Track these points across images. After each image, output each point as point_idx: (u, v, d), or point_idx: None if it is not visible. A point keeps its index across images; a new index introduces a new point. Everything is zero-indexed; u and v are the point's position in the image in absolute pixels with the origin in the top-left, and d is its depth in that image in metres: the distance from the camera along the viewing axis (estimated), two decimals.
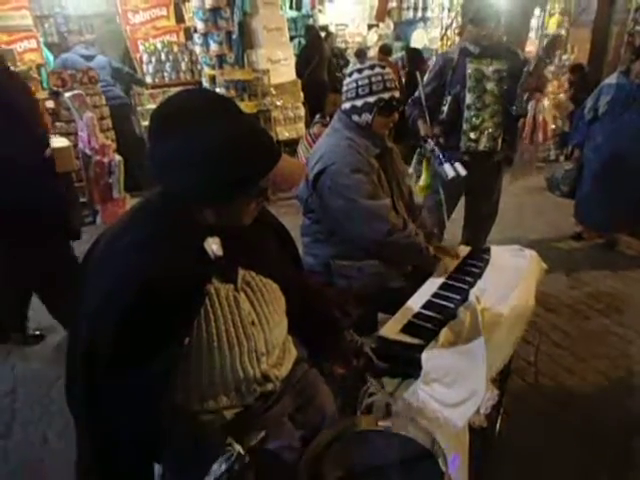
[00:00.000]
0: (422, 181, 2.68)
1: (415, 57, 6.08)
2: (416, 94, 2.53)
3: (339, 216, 1.77)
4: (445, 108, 2.56)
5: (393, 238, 1.74)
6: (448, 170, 2.32)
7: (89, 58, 5.08)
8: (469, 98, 2.52)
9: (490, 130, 2.58)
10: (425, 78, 2.65)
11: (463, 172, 2.33)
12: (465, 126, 2.56)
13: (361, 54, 6.40)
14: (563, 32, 7.16)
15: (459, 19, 6.86)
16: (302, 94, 5.46)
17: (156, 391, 0.94)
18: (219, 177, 0.90)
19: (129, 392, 0.92)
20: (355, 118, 1.79)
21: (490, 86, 2.52)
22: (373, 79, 1.72)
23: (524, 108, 2.55)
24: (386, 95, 1.73)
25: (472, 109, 2.54)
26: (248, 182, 0.94)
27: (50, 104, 4.54)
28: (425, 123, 2.51)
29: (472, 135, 2.58)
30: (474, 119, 2.55)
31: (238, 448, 0.90)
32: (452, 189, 2.61)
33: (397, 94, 1.77)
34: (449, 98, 2.55)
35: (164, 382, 0.95)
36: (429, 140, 2.45)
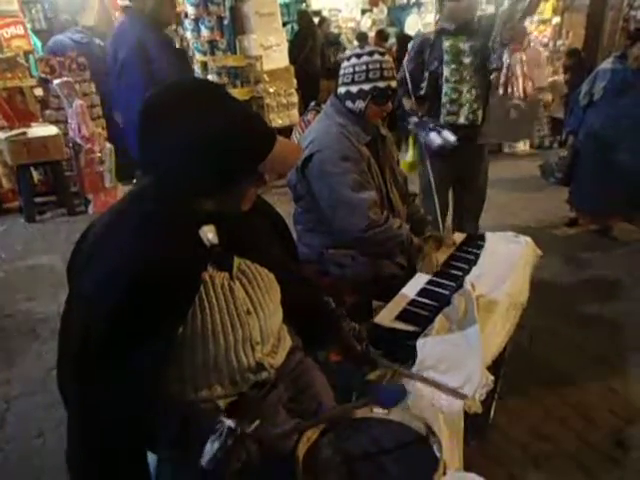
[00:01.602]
0: (408, 157, 2.67)
1: (406, 44, 6.02)
2: (399, 75, 2.51)
3: (323, 205, 1.76)
4: (424, 84, 2.56)
5: (370, 234, 1.72)
6: (434, 138, 2.33)
7: (83, 44, 4.94)
8: (447, 72, 2.53)
9: (469, 103, 2.58)
10: (404, 60, 2.64)
11: (452, 138, 2.32)
12: (444, 99, 2.56)
13: (362, 38, 6.33)
14: (558, 18, 7.10)
15: None
16: (295, 81, 5.40)
17: (149, 377, 0.94)
18: (216, 167, 0.89)
19: (122, 377, 0.91)
20: (349, 104, 1.77)
21: (467, 60, 2.54)
22: (370, 66, 1.70)
23: (501, 61, 2.54)
24: (382, 84, 1.71)
25: (450, 82, 2.55)
26: (245, 169, 0.94)
27: (39, 92, 4.47)
28: (409, 99, 2.52)
29: (451, 108, 2.58)
30: (452, 93, 2.56)
31: (228, 423, 0.89)
32: (442, 171, 2.59)
33: (394, 84, 1.75)
34: (427, 74, 2.56)
35: (157, 368, 0.94)
36: (413, 114, 2.48)
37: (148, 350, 0.91)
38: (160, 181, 0.96)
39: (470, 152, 2.65)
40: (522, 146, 6.10)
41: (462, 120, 2.59)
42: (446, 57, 2.52)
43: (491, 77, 2.55)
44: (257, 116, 0.99)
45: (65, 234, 3.81)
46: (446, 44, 2.52)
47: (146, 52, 2.29)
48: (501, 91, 2.48)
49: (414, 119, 2.50)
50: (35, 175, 4.43)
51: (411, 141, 2.59)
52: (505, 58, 2.45)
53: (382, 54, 1.73)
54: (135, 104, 2.34)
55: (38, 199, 4.39)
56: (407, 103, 2.56)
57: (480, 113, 2.61)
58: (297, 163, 1.07)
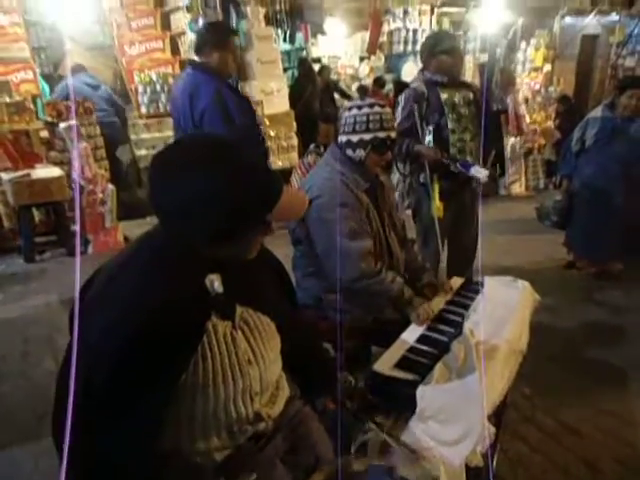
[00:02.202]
0: (437, 202, 2.67)
1: (402, 90, 6.22)
2: (400, 127, 2.57)
3: (319, 250, 1.78)
4: (429, 138, 2.62)
5: (362, 284, 1.73)
6: (480, 171, 2.44)
7: (95, 88, 5.19)
8: (450, 123, 2.61)
9: (473, 151, 2.67)
10: (398, 114, 2.71)
11: (486, 171, 2.44)
12: (452, 150, 2.63)
13: (363, 90, 6.56)
14: (549, 66, 7.38)
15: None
16: (295, 124, 5.54)
17: (148, 429, 0.92)
18: (222, 221, 0.91)
19: (121, 427, 0.90)
20: (349, 152, 1.81)
21: (463, 110, 2.64)
22: (371, 117, 1.75)
23: (505, 103, 2.64)
24: (382, 134, 1.76)
25: (456, 133, 2.63)
26: (252, 221, 0.96)
27: (44, 133, 4.58)
28: (426, 146, 2.57)
29: (459, 157, 2.64)
30: (459, 142, 2.64)
31: None
32: (447, 214, 2.64)
33: (393, 134, 1.81)
34: (431, 128, 2.61)
35: (157, 420, 0.93)
36: (443, 159, 2.53)
37: (148, 400, 0.91)
38: (168, 231, 0.97)
39: (467, 196, 2.73)
40: (518, 188, 6.21)
41: None
42: (447, 109, 2.59)
43: (500, 119, 2.65)
44: (264, 169, 1.01)
45: (63, 276, 3.80)
46: (444, 96, 2.60)
47: (224, 102, 2.55)
48: (514, 130, 2.60)
49: (447, 160, 2.54)
50: (36, 215, 4.47)
51: (436, 187, 2.63)
52: (509, 100, 2.56)
53: (382, 106, 1.79)
54: None
55: (38, 239, 4.40)
56: (428, 151, 2.56)
57: (481, 158, 2.70)
58: (303, 211, 1.08)
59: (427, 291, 1.87)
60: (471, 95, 2.67)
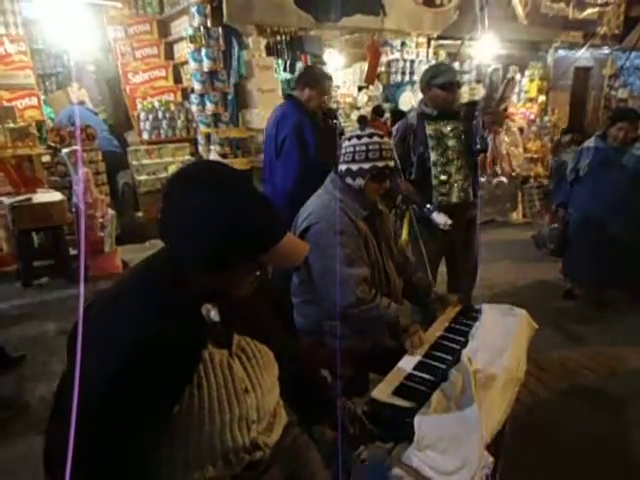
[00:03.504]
0: (403, 236, 2.76)
1: (399, 119, 6.35)
2: None
3: (315, 276, 1.79)
4: (413, 169, 2.67)
5: (356, 311, 1.75)
6: (440, 219, 2.46)
7: (95, 114, 5.33)
8: (433, 156, 2.64)
9: (459, 183, 2.68)
10: (391, 144, 2.78)
11: (449, 220, 2.46)
12: (434, 182, 2.66)
13: (362, 121, 6.68)
14: (543, 97, 7.55)
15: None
16: None
17: (140, 457, 0.92)
18: (215, 247, 0.91)
19: (114, 457, 0.89)
20: (348, 181, 1.84)
21: (451, 143, 2.66)
22: (370, 147, 1.79)
23: (485, 143, 2.68)
24: (381, 164, 1.80)
25: (438, 165, 2.65)
26: (244, 255, 0.95)
27: (46, 158, 4.64)
28: (404, 181, 2.63)
29: (442, 190, 2.67)
30: (441, 175, 2.66)
31: None
32: (433, 247, 2.67)
33: (391, 163, 1.85)
34: (415, 159, 2.67)
35: (149, 448, 0.93)
36: (413, 196, 2.60)
37: (142, 429, 0.90)
38: (166, 254, 0.99)
39: (462, 227, 2.72)
40: (515, 215, 6.26)
41: (454, 199, 2.68)
42: (431, 142, 2.64)
43: (478, 158, 2.68)
44: (271, 211, 0.99)
45: (61, 300, 3.79)
46: (429, 129, 2.64)
47: (302, 133, 2.84)
48: (488, 170, 2.62)
49: (416, 199, 2.61)
50: (35, 239, 4.48)
51: (406, 222, 2.68)
52: (489, 140, 2.59)
53: (381, 136, 1.83)
54: (290, 175, 2.79)
55: (36, 262, 4.40)
56: (403, 185, 2.64)
57: (471, 190, 2.72)
58: (300, 262, 1.08)
59: (437, 304, 1.90)
60: (462, 127, 2.69)
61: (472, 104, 2.76)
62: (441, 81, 2.59)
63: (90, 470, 0.89)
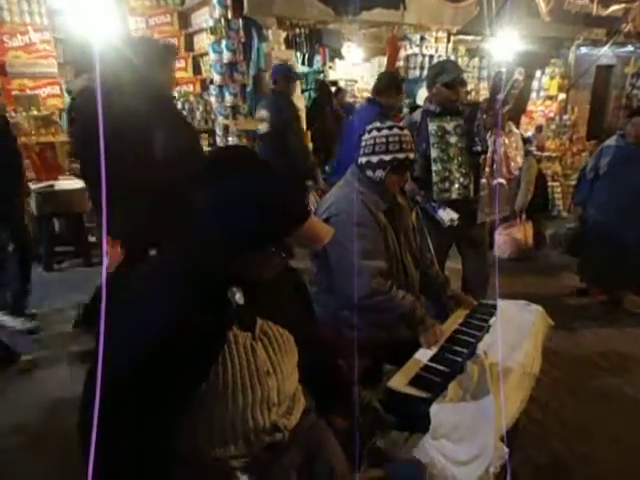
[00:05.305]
0: None
1: None
2: None
3: (333, 266, 1.82)
4: (416, 166, 2.68)
5: (372, 301, 1.76)
6: (445, 215, 2.48)
7: None
8: (434, 152, 2.65)
9: (460, 180, 2.68)
10: None
11: (455, 215, 2.48)
12: (435, 178, 2.67)
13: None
14: (563, 95, 7.44)
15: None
16: (311, 144, 5.63)
17: (168, 432, 0.95)
18: (242, 225, 0.93)
19: (143, 432, 0.93)
20: (369, 173, 1.86)
21: (453, 140, 2.65)
22: (390, 139, 1.80)
23: (486, 145, 2.67)
24: (401, 155, 1.81)
25: (438, 162, 2.66)
26: (271, 236, 0.98)
27: (69, 147, 4.71)
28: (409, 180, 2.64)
29: (442, 186, 2.68)
30: (442, 172, 2.67)
31: None
32: (441, 238, 2.68)
33: (412, 155, 1.85)
34: (417, 156, 2.66)
35: (177, 424, 0.96)
36: (417, 194, 2.62)
37: (170, 406, 0.94)
38: (193, 237, 1.01)
39: (464, 224, 2.71)
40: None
41: (454, 196, 2.68)
42: (432, 139, 2.64)
43: (480, 159, 2.68)
44: (295, 192, 1.04)
45: (81, 284, 3.87)
46: (432, 126, 2.65)
47: None
48: (487, 171, 2.60)
49: (419, 198, 2.64)
50: (56, 226, 4.57)
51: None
52: (490, 142, 2.58)
53: (401, 128, 1.84)
54: None
55: (57, 248, 4.50)
56: (408, 185, 2.63)
57: (472, 187, 2.72)
58: (324, 243, 1.10)
59: (452, 303, 1.92)
60: (464, 125, 2.66)
61: (475, 105, 2.74)
62: (446, 79, 2.59)
63: (116, 445, 0.93)
